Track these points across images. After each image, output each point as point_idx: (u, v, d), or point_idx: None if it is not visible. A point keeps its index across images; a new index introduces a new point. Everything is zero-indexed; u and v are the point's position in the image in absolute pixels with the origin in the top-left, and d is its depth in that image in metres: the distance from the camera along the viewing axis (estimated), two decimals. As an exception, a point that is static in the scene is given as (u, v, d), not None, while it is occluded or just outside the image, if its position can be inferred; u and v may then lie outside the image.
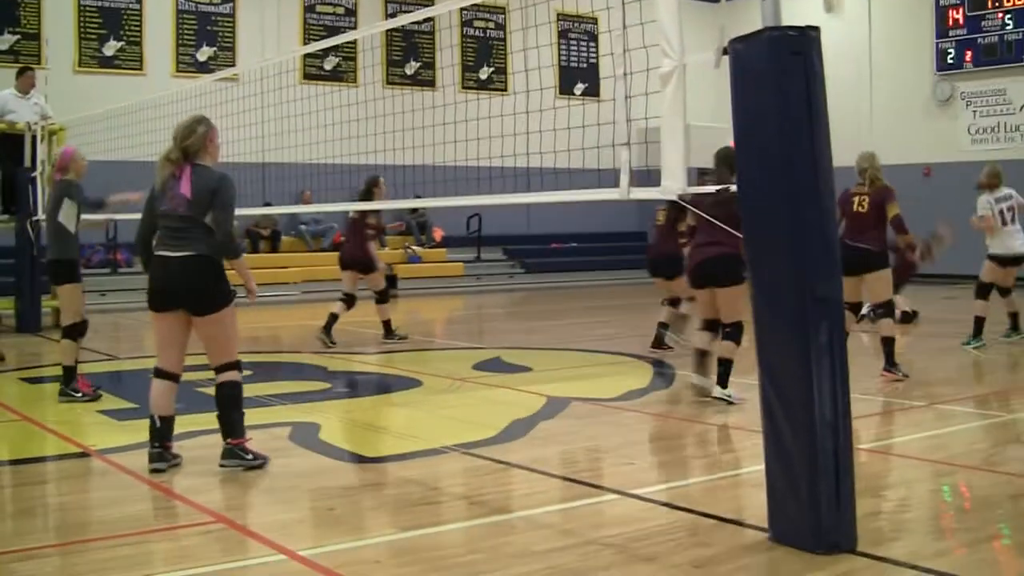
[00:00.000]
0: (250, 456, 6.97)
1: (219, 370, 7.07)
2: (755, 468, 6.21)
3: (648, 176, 6.48)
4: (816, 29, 5.07)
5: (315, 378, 11.14)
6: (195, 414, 8.07)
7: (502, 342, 14.16)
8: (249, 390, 10.24)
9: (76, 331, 9.75)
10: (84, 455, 7.50)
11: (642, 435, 8.45)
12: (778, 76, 5.00)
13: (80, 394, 9.61)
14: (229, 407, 7.06)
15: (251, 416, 9.06)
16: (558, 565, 4.96)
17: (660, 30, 5.69)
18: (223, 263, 6.99)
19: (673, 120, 5.70)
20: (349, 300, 13.72)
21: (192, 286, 6.88)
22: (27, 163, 16.14)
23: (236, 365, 7.09)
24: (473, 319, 19.73)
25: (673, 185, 5.78)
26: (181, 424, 7.27)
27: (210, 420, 7.30)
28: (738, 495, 6.57)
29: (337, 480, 6.84)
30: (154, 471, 6.80)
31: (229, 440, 6.99)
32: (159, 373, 7.07)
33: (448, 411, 9.15)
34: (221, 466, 6.92)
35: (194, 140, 6.98)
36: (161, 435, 6.95)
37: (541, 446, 7.72)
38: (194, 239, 6.86)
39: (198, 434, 7.85)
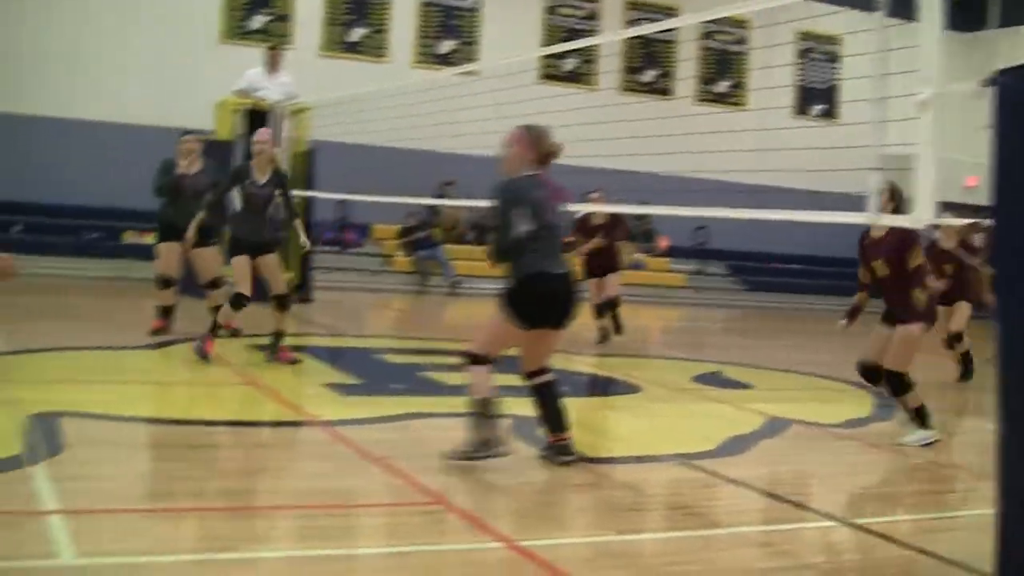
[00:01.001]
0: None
1: (540, 373, 7.10)
2: (978, 512, 6.04)
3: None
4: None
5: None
6: (420, 396, 8.25)
7: (722, 357, 14.06)
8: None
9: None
10: (307, 424, 7.72)
11: (862, 464, 8.30)
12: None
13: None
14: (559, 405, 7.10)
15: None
16: (775, 585, 4.95)
17: (921, 56, 5.60)
18: None
19: (928, 149, 5.60)
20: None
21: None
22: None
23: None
24: (693, 331, 19.66)
25: (924, 215, 5.68)
26: (408, 405, 7.43)
27: (439, 403, 7.43)
28: (959, 537, 6.37)
29: (556, 476, 6.90)
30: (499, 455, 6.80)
31: (563, 435, 7.00)
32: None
33: (667, 420, 9.16)
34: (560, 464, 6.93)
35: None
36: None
37: (759, 465, 7.67)
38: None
39: (423, 416, 8.05)
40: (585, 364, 12.65)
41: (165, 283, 11.93)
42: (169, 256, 11.94)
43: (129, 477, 6.19)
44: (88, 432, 7.20)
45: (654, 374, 12.29)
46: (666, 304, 23.08)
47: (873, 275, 8.84)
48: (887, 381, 8.64)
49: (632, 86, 25.97)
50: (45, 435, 6.76)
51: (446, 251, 22.73)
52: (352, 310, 17.55)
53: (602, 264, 14.14)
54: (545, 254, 6.80)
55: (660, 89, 26.23)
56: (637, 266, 24.99)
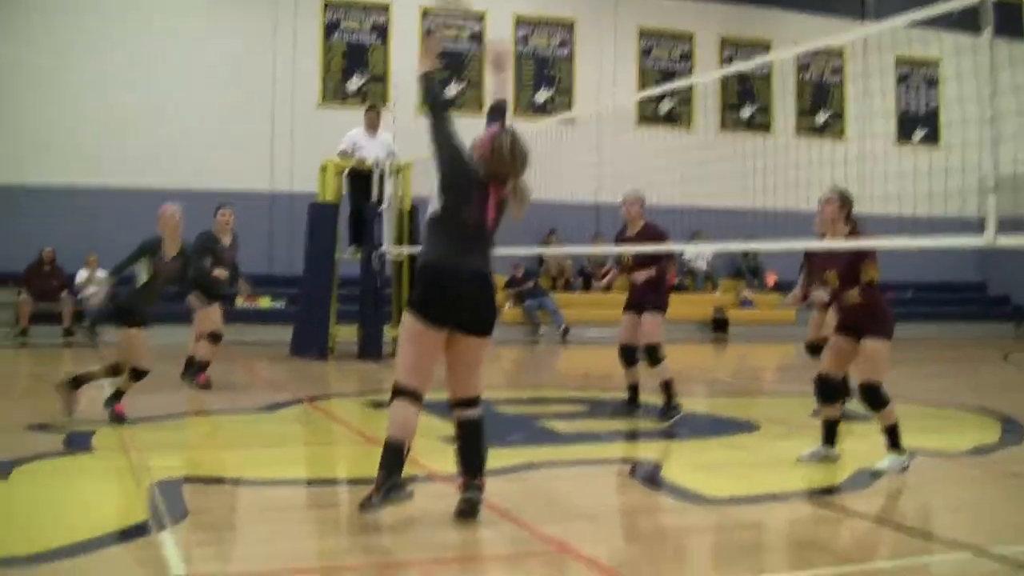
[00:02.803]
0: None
1: (471, 404, 6.71)
2: None
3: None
4: None
5: (654, 417, 11.15)
6: (537, 446, 8.23)
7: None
8: (586, 426, 10.46)
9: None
10: (428, 479, 7.71)
11: (995, 492, 8.07)
12: None
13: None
14: (482, 443, 6.67)
15: (593, 452, 9.23)
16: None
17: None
18: None
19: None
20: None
21: (489, 301, 6.62)
22: (374, 198, 16.89)
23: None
24: (807, 366, 19.35)
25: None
26: (526, 455, 7.40)
27: (557, 453, 7.39)
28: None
29: (682, 519, 6.83)
30: (393, 502, 6.37)
31: (479, 481, 6.57)
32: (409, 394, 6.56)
33: (788, 456, 9.01)
34: (465, 504, 6.50)
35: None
36: (401, 466, 6.41)
37: (888, 497, 7.52)
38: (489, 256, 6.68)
39: (542, 466, 8.02)
40: (701, 405, 12.55)
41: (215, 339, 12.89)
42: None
43: (254, 539, 6.23)
44: (212, 496, 7.29)
45: (772, 412, 12.13)
46: (776, 340, 22.80)
47: (823, 282, 8.65)
48: (863, 396, 8.32)
49: (730, 124, 25.88)
50: (170, 501, 6.84)
51: (554, 299, 22.76)
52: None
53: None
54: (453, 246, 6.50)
55: (759, 125, 26.10)
56: (746, 304, 24.82)
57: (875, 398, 8.25)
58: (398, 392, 6.49)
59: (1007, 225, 6.27)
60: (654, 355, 10.64)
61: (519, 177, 6.64)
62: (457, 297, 6.43)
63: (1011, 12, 6.09)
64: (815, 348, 11.44)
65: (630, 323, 10.96)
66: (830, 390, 8.67)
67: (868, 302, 8.25)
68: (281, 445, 9.64)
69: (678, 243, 18.62)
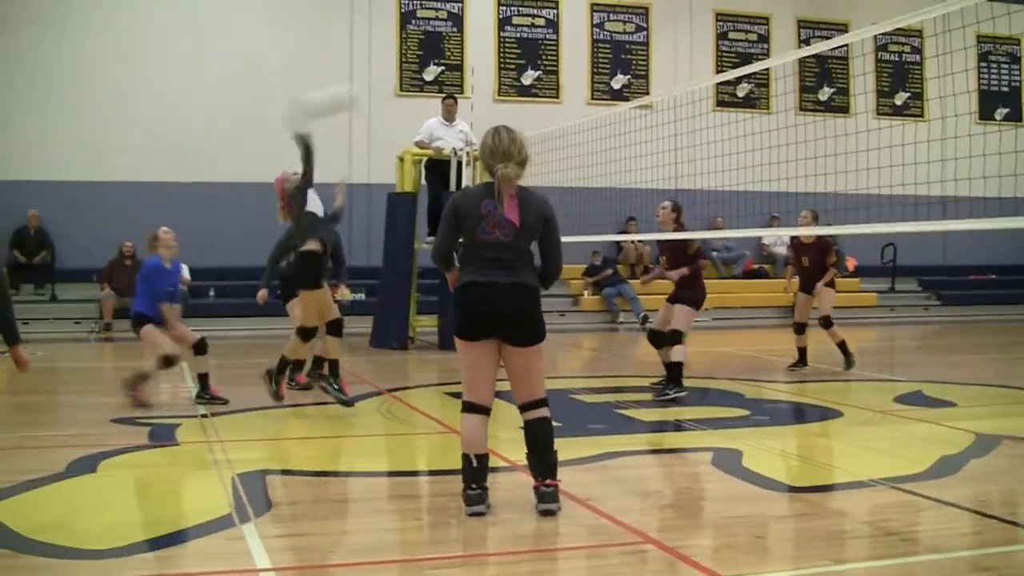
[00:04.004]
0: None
1: (532, 406, 6.62)
2: None
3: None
4: None
5: (734, 404, 11.10)
6: (617, 435, 8.21)
7: (921, 375, 13.69)
8: (669, 414, 10.43)
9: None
10: (508, 469, 7.71)
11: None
12: None
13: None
14: (549, 445, 6.59)
15: (673, 440, 9.22)
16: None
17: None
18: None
19: None
20: None
21: (523, 314, 6.55)
22: (452, 187, 16.92)
23: (546, 401, 6.67)
24: (888, 351, 19.20)
25: None
26: (607, 445, 7.39)
27: (637, 440, 7.37)
28: None
29: (763, 508, 6.77)
30: (476, 514, 6.36)
31: (549, 481, 6.49)
32: (471, 407, 6.63)
33: (872, 443, 8.92)
34: (544, 512, 6.41)
35: (525, 156, 6.55)
36: (479, 476, 6.47)
37: (975, 484, 7.39)
38: (523, 267, 6.57)
39: (622, 455, 8.00)
40: (782, 391, 12.46)
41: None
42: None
43: (335, 532, 6.28)
44: (293, 489, 7.37)
45: (854, 397, 12.00)
46: (859, 325, 22.58)
47: (801, 265, 14.19)
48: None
49: (808, 106, 25.63)
50: (252, 494, 6.92)
51: (633, 287, 22.72)
52: (544, 352, 17.57)
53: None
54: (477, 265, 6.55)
55: (838, 107, 25.82)
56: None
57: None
58: (464, 408, 6.64)
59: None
60: (676, 337, 11.56)
61: (519, 162, 6.53)
62: (490, 314, 6.50)
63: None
64: (801, 327, 14.21)
65: (665, 312, 12.04)
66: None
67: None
68: (362, 436, 9.70)
69: (756, 228, 18.58)
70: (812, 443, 9.50)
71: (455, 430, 9.30)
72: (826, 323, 14.07)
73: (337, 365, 10.52)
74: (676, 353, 11.44)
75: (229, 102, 21.66)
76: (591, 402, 11.38)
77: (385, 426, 10.20)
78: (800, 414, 11.23)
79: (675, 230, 11.88)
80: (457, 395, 11.40)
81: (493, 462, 6.93)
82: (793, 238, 14.61)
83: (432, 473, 8.21)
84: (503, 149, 6.51)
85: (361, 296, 20.75)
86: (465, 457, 6.50)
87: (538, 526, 6.23)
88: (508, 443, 8.15)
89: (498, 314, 6.48)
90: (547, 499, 6.44)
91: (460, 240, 6.67)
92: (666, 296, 12.07)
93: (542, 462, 6.53)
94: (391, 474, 8.20)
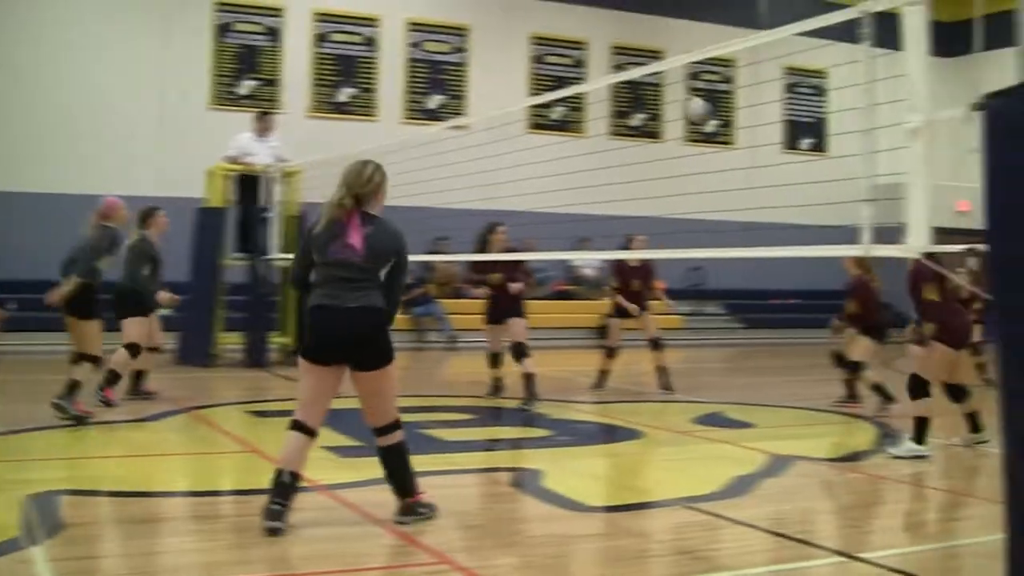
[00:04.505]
0: (424, 509, 6.75)
1: (386, 431, 6.74)
2: (988, 538, 5.96)
3: (879, 234, 6.38)
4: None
5: (537, 425, 11.16)
6: (419, 455, 8.13)
7: (723, 397, 13.98)
8: (470, 434, 10.43)
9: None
10: (308, 488, 7.61)
11: (869, 497, 8.24)
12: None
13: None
14: (403, 467, 6.78)
15: (473, 460, 9.21)
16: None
17: (908, 84, 5.57)
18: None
19: (920, 177, 5.56)
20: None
21: (369, 339, 6.58)
22: (261, 203, 16.71)
23: (399, 424, 6.78)
24: (692, 372, 19.50)
25: (918, 243, 5.63)
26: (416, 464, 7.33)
27: (439, 461, 7.35)
28: (969, 565, 6.36)
29: (563, 528, 6.80)
30: (272, 531, 6.29)
31: (407, 499, 6.70)
32: (299, 427, 6.63)
33: (670, 464, 9.07)
34: (398, 523, 6.59)
35: (370, 188, 6.61)
36: (286, 493, 6.45)
37: (765, 504, 7.57)
38: (368, 290, 6.58)
39: (423, 475, 7.95)
40: (584, 412, 12.58)
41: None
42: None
43: (131, 554, 6.10)
44: (87, 510, 7.14)
45: (656, 418, 12.19)
46: (664, 347, 22.89)
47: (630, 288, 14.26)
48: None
49: (621, 131, 26.03)
50: (44, 515, 6.68)
51: (442, 306, 22.71)
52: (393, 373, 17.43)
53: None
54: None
55: (649, 132, 26.28)
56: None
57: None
58: (292, 425, 6.64)
59: (885, 233, 6.37)
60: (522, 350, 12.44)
61: (357, 193, 6.62)
62: (332, 337, 6.54)
63: (891, 23, 6.17)
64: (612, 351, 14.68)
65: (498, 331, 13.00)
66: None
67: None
68: (165, 456, 9.47)
69: (564, 252, 18.73)
70: (612, 463, 9.61)
71: (258, 449, 9.17)
72: (655, 344, 14.42)
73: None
74: (528, 365, 12.28)
75: (42, 110, 21.02)
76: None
77: (188, 445, 9.98)
78: (602, 434, 11.34)
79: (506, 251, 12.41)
80: (261, 413, 11.30)
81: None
82: (619, 262, 14.62)
83: (235, 493, 8.04)
84: (345, 177, 6.64)
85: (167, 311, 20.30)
86: (278, 472, 6.47)
87: (333, 547, 6.14)
88: (313, 462, 8.03)
89: (346, 339, 6.51)
90: (400, 512, 6.66)
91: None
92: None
93: (395, 483, 6.72)
94: (193, 494, 7.99)
